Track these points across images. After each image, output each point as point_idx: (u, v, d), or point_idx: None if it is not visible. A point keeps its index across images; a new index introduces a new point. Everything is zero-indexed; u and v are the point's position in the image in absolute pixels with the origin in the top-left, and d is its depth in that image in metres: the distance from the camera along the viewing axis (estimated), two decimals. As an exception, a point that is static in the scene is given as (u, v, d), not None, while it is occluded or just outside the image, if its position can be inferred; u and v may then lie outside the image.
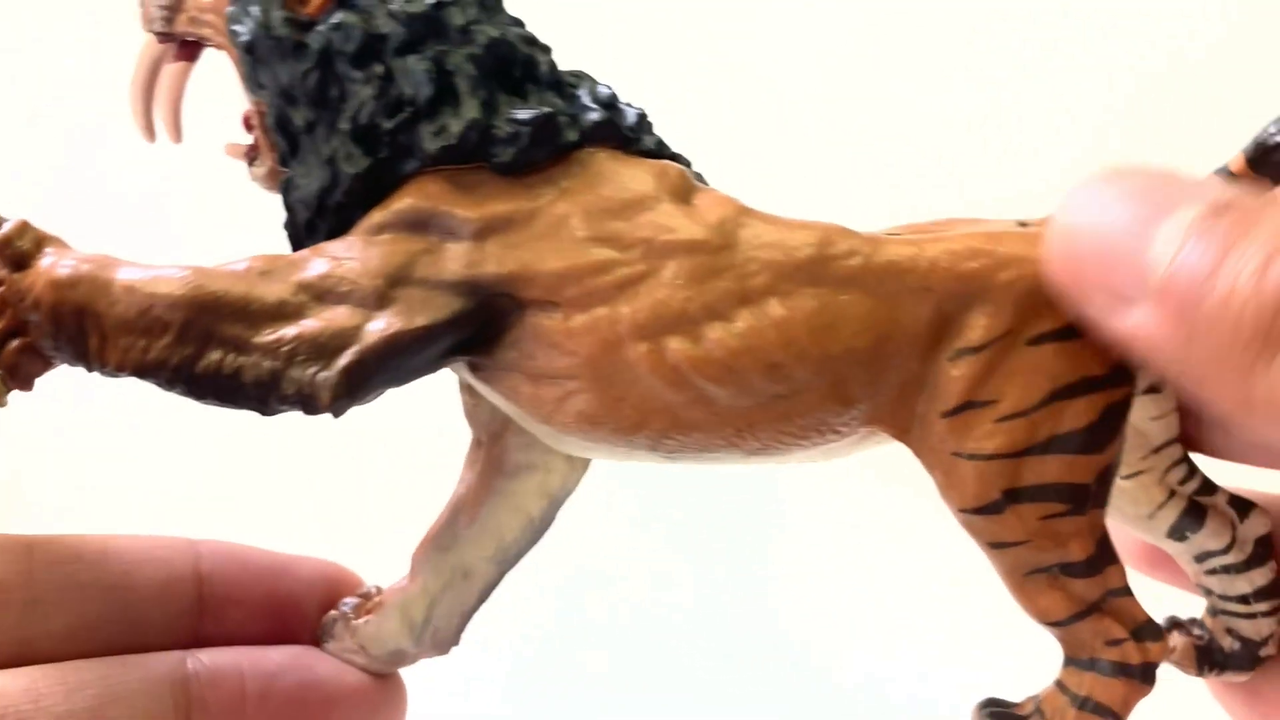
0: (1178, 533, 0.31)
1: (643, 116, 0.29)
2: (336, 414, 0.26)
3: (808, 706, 0.62)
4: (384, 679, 0.32)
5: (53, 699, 0.27)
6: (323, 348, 0.26)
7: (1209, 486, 0.31)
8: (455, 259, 0.27)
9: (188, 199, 0.67)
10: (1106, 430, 0.26)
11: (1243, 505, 0.31)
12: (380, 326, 0.26)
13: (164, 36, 0.30)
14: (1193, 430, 0.30)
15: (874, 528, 0.66)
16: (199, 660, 0.30)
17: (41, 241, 0.27)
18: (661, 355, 0.26)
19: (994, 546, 0.27)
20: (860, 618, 0.65)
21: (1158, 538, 0.31)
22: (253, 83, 0.29)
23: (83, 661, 0.28)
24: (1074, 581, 0.26)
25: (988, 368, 0.26)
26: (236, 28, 0.28)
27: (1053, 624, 0.27)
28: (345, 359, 0.26)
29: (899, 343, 0.26)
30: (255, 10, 0.28)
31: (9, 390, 0.27)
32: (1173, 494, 0.31)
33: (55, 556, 0.30)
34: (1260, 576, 0.31)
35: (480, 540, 0.31)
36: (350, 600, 0.33)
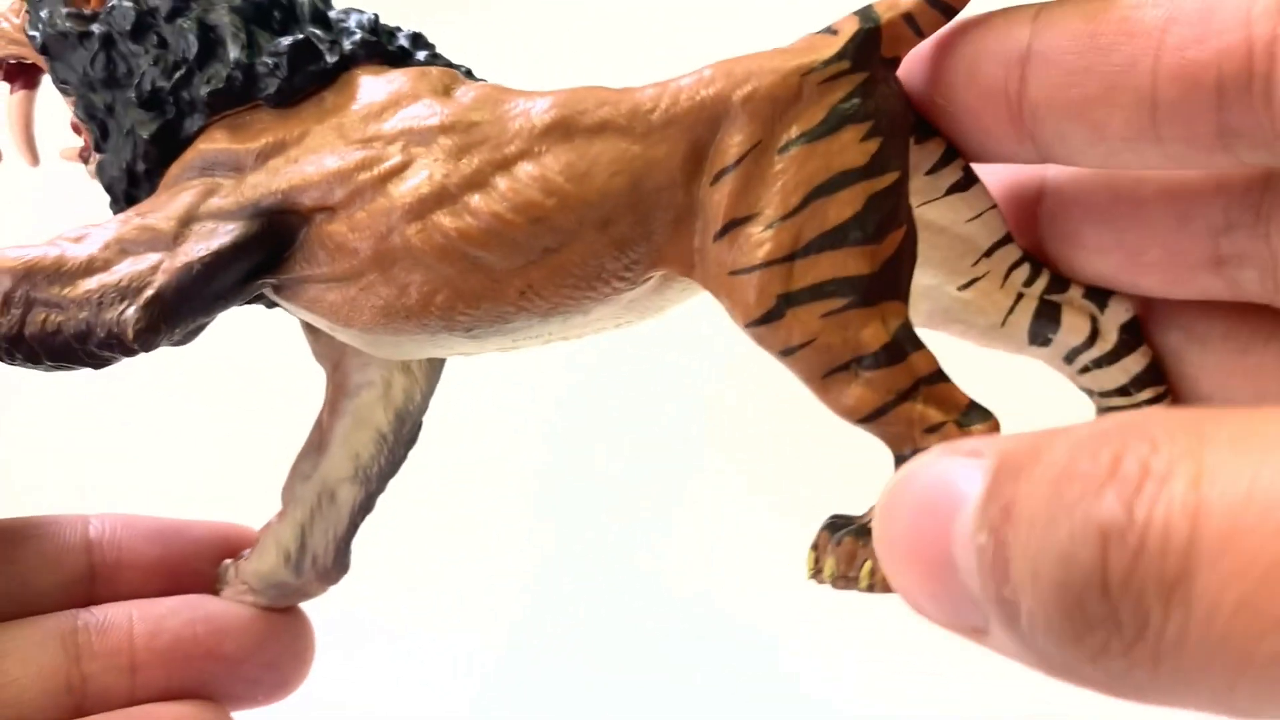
0: (1038, 337, 0.30)
1: (416, 36, 0.31)
2: (146, 348, 0.28)
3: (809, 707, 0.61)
4: (281, 611, 0.33)
5: None
6: (125, 289, 0.28)
7: (1059, 283, 0.30)
8: (238, 189, 0.29)
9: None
10: (877, 218, 0.26)
11: (1100, 295, 0.30)
12: (173, 261, 0.28)
13: None
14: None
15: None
16: (89, 614, 0.31)
17: None
18: (430, 232, 0.27)
19: (785, 354, 0.26)
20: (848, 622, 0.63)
21: (1020, 347, 0.30)
22: (59, 82, 0.32)
23: None
24: (876, 373, 0.26)
25: (745, 182, 0.26)
26: (32, 33, 0.31)
27: (865, 420, 0.26)
28: (145, 294, 0.28)
29: (657, 178, 0.27)
30: (44, 14, 0.31)
31: None
32: (1020, 297, 0.30)
33: None
34: (1134, 363, 0.30)
35: (338, 462, 0.32)
36: (246, 550, 0.34)
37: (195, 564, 0.34)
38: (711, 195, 0.27)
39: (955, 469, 0.20)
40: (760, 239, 0.26)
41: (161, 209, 0.29)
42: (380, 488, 0.33)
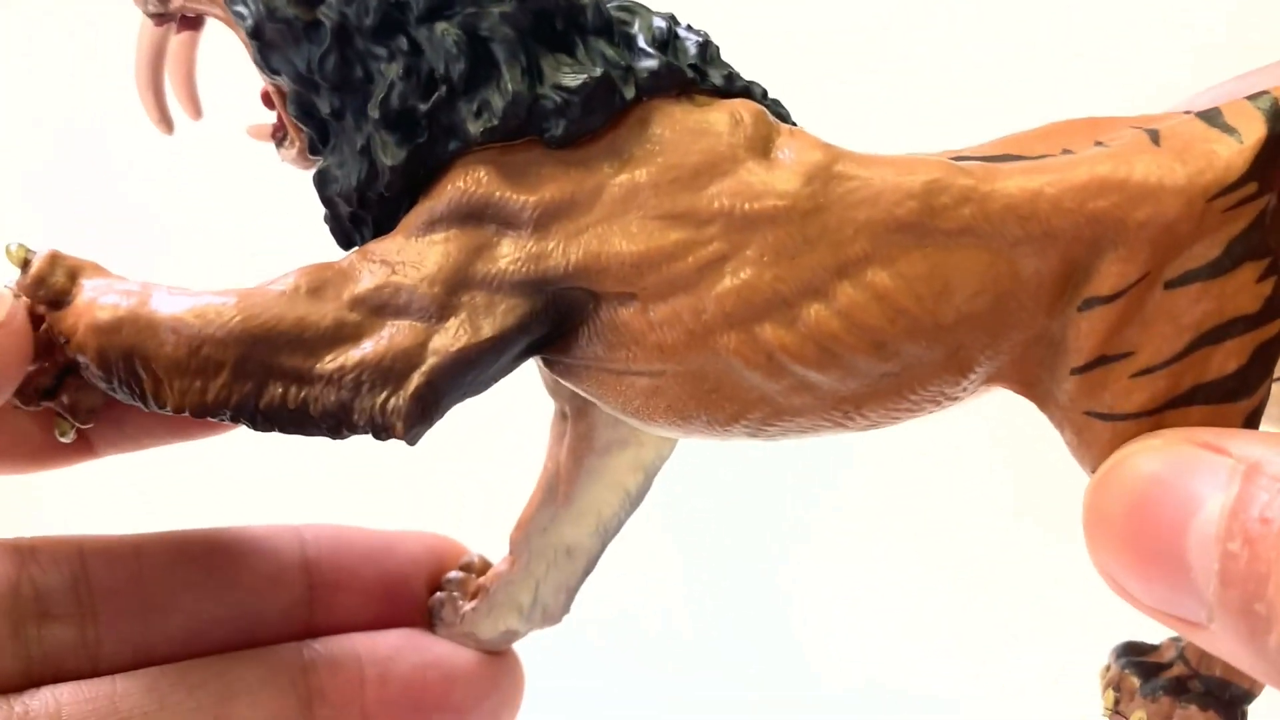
0: None
1: (705, 45, 0.25)
2: (412, 442, 0.24)
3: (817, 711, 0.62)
4: (499, 655, 0.32)
5: (176, 697, 0.27)
6: (388, 371, 0.24)
7: None
8: (517, 254, 0.24)
9: (185, 192, 0.66)
10: (1257, 372, 0.23)
11: None
12: (446, 342, 0.24)
13: (160, 18, 0.27)
14: None
15: (885, 531, 0.65)
16: (314, 650, 0.29)
17: (75, 273, 0.25)
18: (755, 344, 0.23)
19: None
20: (870, 621, 0.64)
21: None
22: (265, 66, 0.25)
23: (200, 660, 0.28)
24: None
25: (1122, 318, 0.23)
26: (239, 9, 0.25)
27: None
28: (414, 382, 0.23)
29: (1022, 299, 0.23)
30: None
31: (72, 428, 0.26)
32: None
33: (164, 559, 0.29)
34: None
35: (580, 519, 0.30)
36: (455, 575, 0.32)
37: (410, 585, 0.31)
38: (1078, 323, 0.23)
39: (1195, 462, 0.21)
40: (1130, 386, 0.23)
41: (418, 264, 0.24)
42: (614, 536, 0.31)
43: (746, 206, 0.24)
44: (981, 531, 0.63)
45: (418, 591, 0.32)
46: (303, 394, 0.24)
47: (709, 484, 0.59)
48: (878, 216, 0.23)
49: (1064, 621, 0.58)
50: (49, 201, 0.68)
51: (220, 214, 0.64)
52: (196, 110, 0.29)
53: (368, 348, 0.24)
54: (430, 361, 0.24)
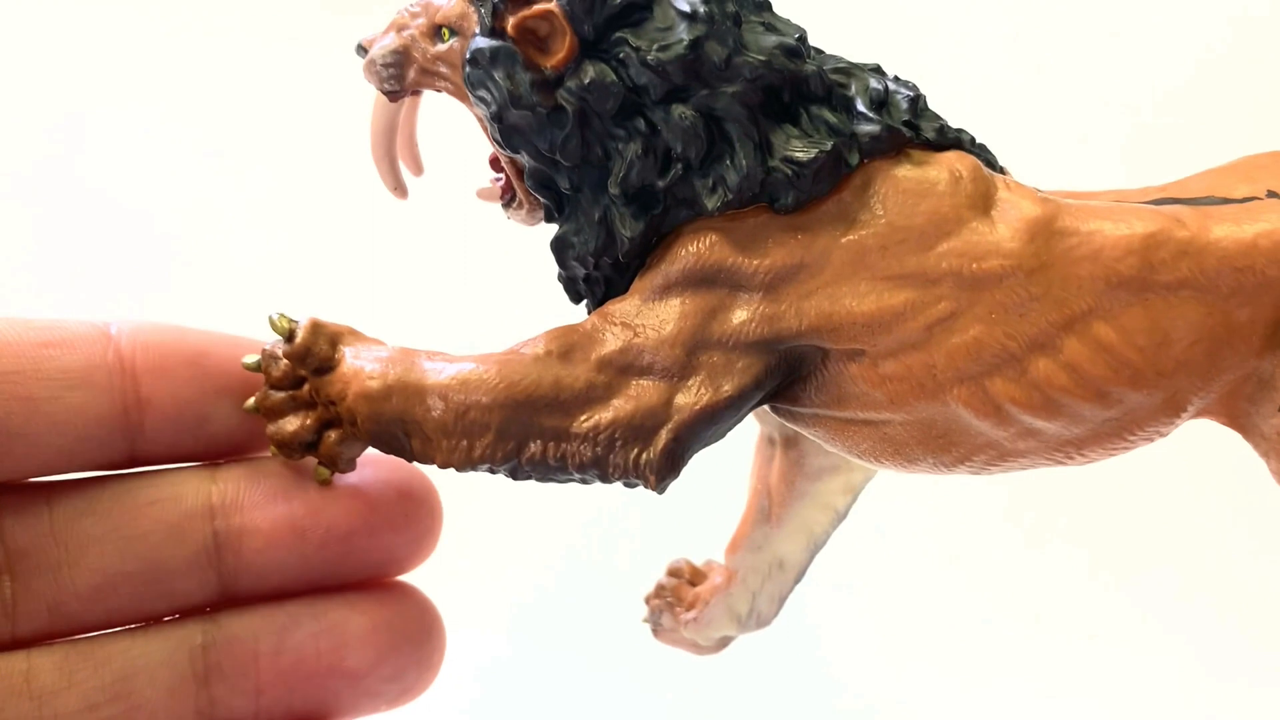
0: None
1: (915, 99, 0.27)
2: (661, 491, 0.26)
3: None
4: (409, 616, 0.30)
5: (84, 674, 0.28)
6: (638, 429, 0.25)
7: None
8: (750, 316, 0.26)
9: (180, 198, 0.64)
10: None
11: None
12: (689, 400, 0.26)
13: (395, 94, 0.28)
14: None
15: (906, 543, 0.65)
16: (215, 625, 0.29)
17: (335, 339, 0.27)
18: (984, 396, 0.25)
19: None
20: (889, 634, 0.64)
21: None
22: (505, 145, 0.27)
23: (108, 634, 0.29)
24: None
25: None
26: (481, 95, 0.26)
27: None
28: (663, 439, 0.25)
29: (1235, 345, 0.25)
30: (499, 76, 0.26)
31: (332, 474, 0.28)
32: None
33: (73, 510, 0.28)
34: None
35: (792, 537, 0.32)
36: (669, 581, 0.35)
37: (323, 524, 0.29)
38: None
39: None
40: None
41: (658, 327, 0.26)
42: (821, 548, 0.33)
43: (974, 267, 0.25)
44: (999, 541, 0.63)
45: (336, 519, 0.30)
46: (561, 450, 0.26)
47: (723, 490, 0.61)
48: (1099, 273, 0.25)
49: (1076, 632, 0.59)
50: (40, 205, 0.67)
51: (216, 219, 0.63)
52: (419, 168, 0.30)
53: (618, 407, 0.26)
54: (676, 419, 0.25)
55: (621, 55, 0.25)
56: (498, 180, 0.29)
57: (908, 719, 0.59)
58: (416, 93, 0.29)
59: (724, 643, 0.35)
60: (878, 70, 0.27)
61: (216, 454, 0.29)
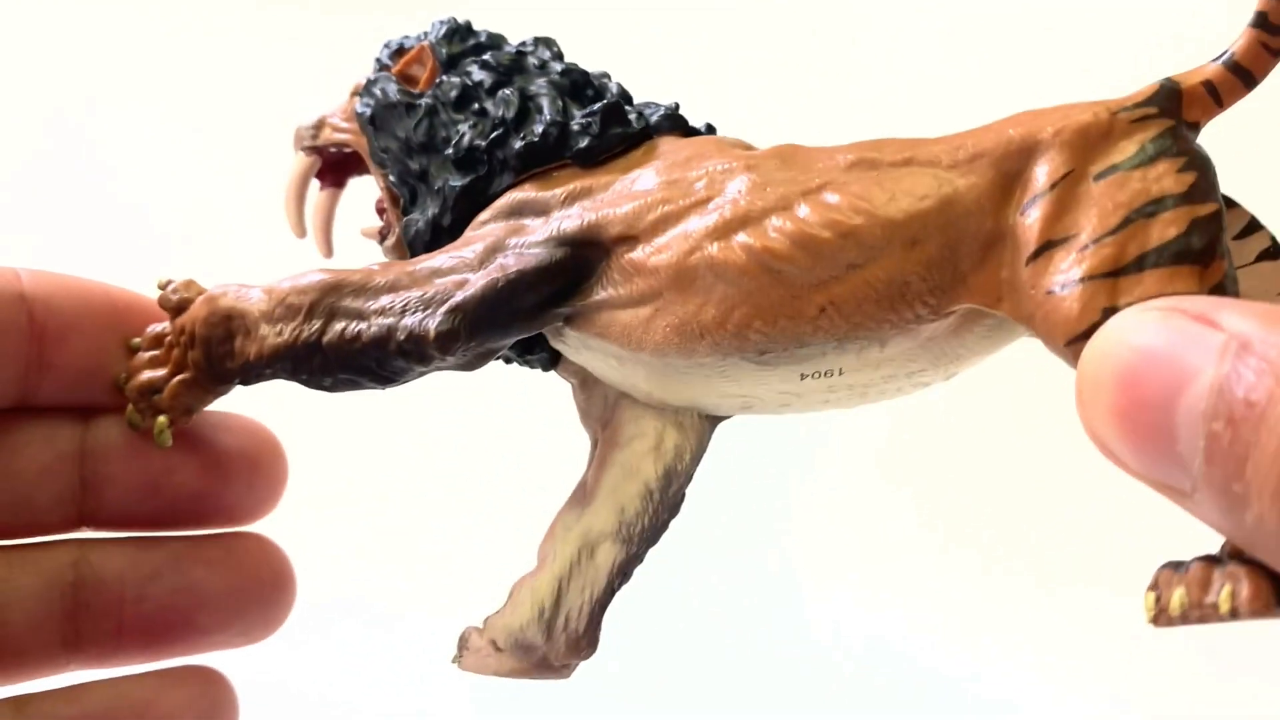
0: None
1: (709, 127, 0.33)
2: (444, 352, 0.28)
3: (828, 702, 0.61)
4: (261, 574, 0.34)
5: None
6: (430, 299, 0.29)
7: None
8: (544, 222, 0.30)
9: (176, 192, 0.70)
10: (1203, 240, 0.25)
11: None
12: (477, 277, 0.29)
13: (311, 150, 0.36)
14: None
15: (892, 525, 0.65)
16: (88, 564, 0.32)
17: (202, 290, 0.32)
18: (734, 247, 0.28)
19: None
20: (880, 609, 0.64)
21: None
22: (378, 157, 0.34)
23: None
24: None
25: (1059, 207, 0.26)
26: (360, 109, 0.34)
27: None
28: (448, 304, 0.28)
29: (965, 204, 0.27)
30: (376, 90, 0.34)
31: (172, 426, 0.31)
32: None
33: None
34: None
35: (602, 515, 0.32)
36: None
37: (176, 481, 0.33)
38: (1022, 221, 0.27)
39: (1184, 334, 0.21)
40: (1081, 256, 0.26)
41: (469, 243, 0.30)
42: (640, 553, 0.32)
43: (727, 165, 0.29)
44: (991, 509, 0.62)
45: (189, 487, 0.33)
46: (358, 327, 0.29)
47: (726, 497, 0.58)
48: (832, 163, 0.28)
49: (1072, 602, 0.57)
50: (38, 199, 0.71)
51: (213, 213, 0.67)
52: (329, 251, 0.37)
53: (416, 290, 0.29)
54: (464, 292, 0.29)
55: (469, 68, 0.33)
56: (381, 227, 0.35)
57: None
58: (338, 184, 0.37)
59: (529, 653, 0.31)
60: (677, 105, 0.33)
61: (102, 406, 0.32)
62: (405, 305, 0.29)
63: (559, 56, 0.34)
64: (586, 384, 0.33)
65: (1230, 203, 0.28)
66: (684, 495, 0.32)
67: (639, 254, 0.29)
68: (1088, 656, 0.61)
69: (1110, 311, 0.25)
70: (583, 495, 0.32)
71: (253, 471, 0.33)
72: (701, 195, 0.29)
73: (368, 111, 0.34)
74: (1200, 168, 0.26)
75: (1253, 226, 0.28)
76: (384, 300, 0.29)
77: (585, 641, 0.32)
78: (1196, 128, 0.27)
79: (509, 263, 0.29)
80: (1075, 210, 0.26)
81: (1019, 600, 0.64)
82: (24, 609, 0.31)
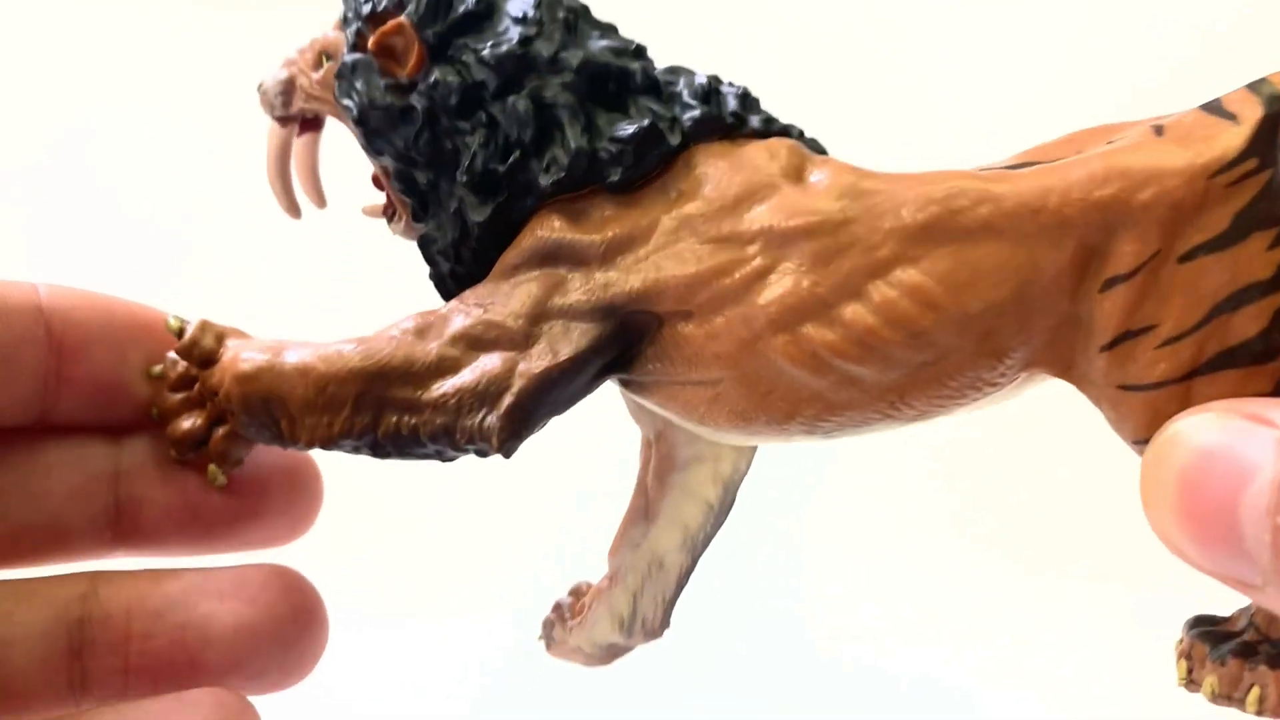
0: None
1: (744, 96, 0.29)
2: (507, 454, 0.28)
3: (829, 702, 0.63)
4: (287, 623, 0.31)
5: None
6: (483, 394, 0.27)
7: None
8: (588, 285, 0.28)
9: (176, 200, 0.68)
10: None
11: None
12: (530, 366, 0.27)
13: (284, 120, 0.32)
14: None
15: (899, 524, 0.66)
16: (97, 601, 0.30)
17: (222, 336, 0.30)
18: (799, 344, 0.26)
19: None
20: (882, 614, 0.65)
21: None
22: (371, 149, 0.30)
23: None
24: None
25: (1141, 293, 0.25)
26: (345, 102, 0.30)
27: None
28: (506, 402, 0.27)
29: (1043, 285, 0.25)
30: (359, 84, 0.29)
31: (223, 473, 0.30)
32: None
33: None
34: None
35: (668, 532, 0.33)
36: (563, 599, 0.35)
37: (214, 504, 0.31)
38: (1101, 304, 0.25)
39: (1241, 434, 0.22)
40: (1157, 356, 0.25)
41: (505, 302, 0.28)
42: (703, 550, 0.33)
43: (784, 224, 0.27)
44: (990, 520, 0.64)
45: (221, 507, 0.31)
46: (414, 421, 0.28)
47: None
48: (903, 223, 0.26)
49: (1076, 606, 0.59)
50: (37, 208, 0.70)
51: (219, 220, 0.66)
52: (321, 201, 0.34)
53: (466, 376, 0.27)
54: (518, 384, 0.27)
55: (464, 58, 0.28)
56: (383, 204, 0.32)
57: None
58: (315, 128, 0.33)
59: (613, 652, 0.34)
60: (713, 77, 0.29)
61: (127, 425, 0.31)
62: (459, 401, 0.27)
63: (571, 28, 0.29)
64: None
65: None
66: (738, 490, 0.33)
67: (695, 333, 0.27)
68: (1086, 658, 0.61)
69: None
70: (644, 509, 0.33)
71: (290, 492, 0.32)
72: (760, 265, 0.27)
73: (353, 109, 0.29)
74: None
75: None
76: (434, 390, 0.27)
77: (660, 630, 0.34)
78: None
79: (557, 347, 0.27)
80: (1157, 298, 0.25)
81: (1019, 600, 0.64)
82: (27, 647, 0.30)
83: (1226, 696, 0.26)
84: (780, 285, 0.26)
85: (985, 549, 0.65)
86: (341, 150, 0.32)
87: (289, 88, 0.31)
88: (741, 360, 0.27)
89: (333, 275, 0.60)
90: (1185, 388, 0.25)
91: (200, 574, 0.31)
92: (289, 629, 0.31)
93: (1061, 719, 0.60)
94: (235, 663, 0.31)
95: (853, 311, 0.26)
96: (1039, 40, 0.64)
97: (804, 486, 0.66)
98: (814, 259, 0.26)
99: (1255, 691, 0.25)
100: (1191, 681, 0.26)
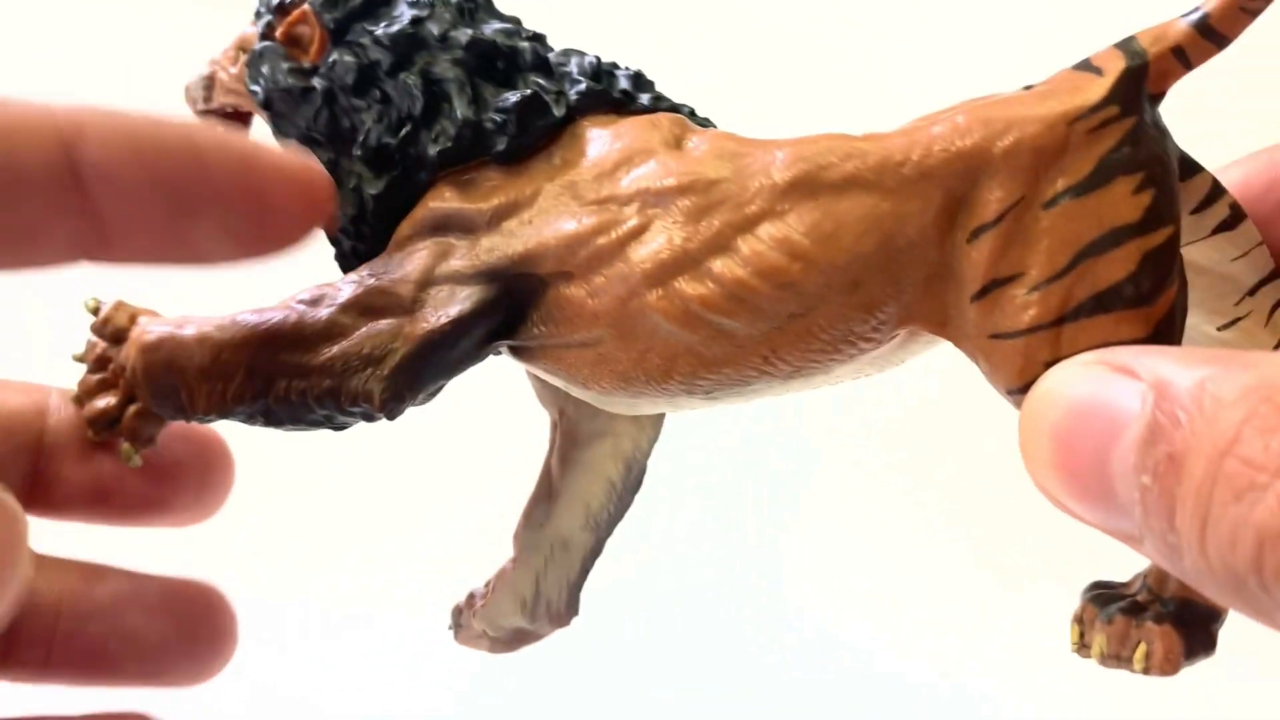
0: None
1: (637, 77, 0.30)
2: (391, 416, 0.28)
3: (823, 698, 0.62)
4: (199, 626, 0.32)
5: None
6: (369, 357, 0.28)
7: None
8: (472, 251, 0.28)
9: None
10: (1151, 278, 0.24)
11: None
12: (414, 329, 0.28)
13: (205, 113, 0.34)
14: None
15: (888, 517, 0.65)
16: (32, 587, 0.30)
17: (134, 315, 0.30)
18: (672, 299, 0.27)
19: None
20: (873, 607, 0.64)
21: None
22: (279, 132, 0.31)
23: None
24: None
25: (1007, 240, 0.25)
26: (253, 88, 0.31)
27: None
28: (390, 364, 0.28)
29: (909, 236, 0.26)
30: (265, 69, 0.31)
31: (138, 452, 0.31)
32: None
33: None
34: None
35: (570, 511, 0.33)
36: (477, 589, 0.35)
37: (126, 485, 0.32)
38: (969, 253, 0.25)
39: (1109, 388, 0.21)
40: (1025, 302, 0.25)
41: (396, 271, 0.29)
42: (608, 533, 0.33)
43: (659, 184, 0.27)
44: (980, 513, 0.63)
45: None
46: (302, 385, 0.28)
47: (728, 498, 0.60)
48: (772, 180, 0.26)
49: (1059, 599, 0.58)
50: None
51: None
52: None
53: (353, 340, 0.28)
54: (402, 346, 0.28)
55: (362, 40, 0.30)
56: None
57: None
58: (244, 123, 0.34)
59: (519, 637, 0.34)
60: (601, 58, 0.30)
61: None
62: (346, 364, 0.28)
63: (465, 13, 0.30)
64: None
65: (1192, 168, 0.26)
66: (644, 472, 0.33)
67: (576, 292, 0.28)
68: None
69: (1051, 364, 0.24)
70: (548, 488, 0.33)
71: (201, 478, 0.33)
72: (635, 224, 0.27)
73: (260, 94, 0.31)
74: (1159, 180, 0.25)
75: (1211, 197, 0.27)
76: (323, 354, 0.28)
77: (567, 614, 0.34)
78: (1160, 97, 0.26)
79: (441, 310, 0.28)
80: (1023, 245, 0.25)
81: (1014, 601, 0.63)
82: None
83: (1115, 656, 0.25)
84: (654, 242, 0.27)
85: (973, 546, 0.65)
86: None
87: (210, 83, 0.33)
88: (620, 318, 0.27)
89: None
90: (1055, 333, 0.25)
91: (130, 581, 0.33)
92: (204, 648, 0.33)
93: (1053, 717, 0.59)
94: (151, 672, 0.32)
95: (723, 264, 0.26)
96: (1016, 38, 0.65)
97: (790, 486, 0.66)
98: (686, 216, 0.27)
99: (1141, 649, 0.25)
100: (1084, 646, 0.26)
